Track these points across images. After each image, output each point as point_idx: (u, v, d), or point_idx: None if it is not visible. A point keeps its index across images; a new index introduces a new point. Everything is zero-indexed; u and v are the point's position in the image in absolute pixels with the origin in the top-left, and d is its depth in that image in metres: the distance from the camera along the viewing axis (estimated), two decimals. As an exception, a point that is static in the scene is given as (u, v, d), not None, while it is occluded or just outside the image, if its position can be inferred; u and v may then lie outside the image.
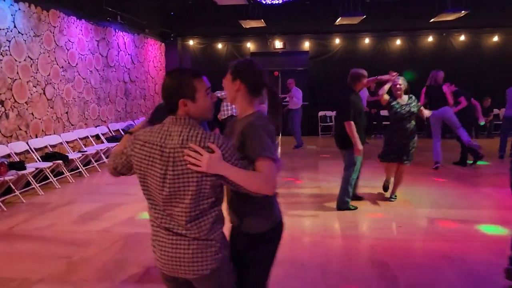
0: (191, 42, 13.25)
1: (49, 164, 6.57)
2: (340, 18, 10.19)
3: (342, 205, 5.26)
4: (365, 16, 10.13)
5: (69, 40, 7.98)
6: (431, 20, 10.91)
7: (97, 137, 8.77)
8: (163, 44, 13.03)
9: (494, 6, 11.13)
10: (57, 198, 6.13)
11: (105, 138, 8.91)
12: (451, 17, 10.28)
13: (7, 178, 5.58)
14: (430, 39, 12.36)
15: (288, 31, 12.75)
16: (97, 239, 4.43)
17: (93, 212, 5.38)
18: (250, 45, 13.09)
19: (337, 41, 12.71)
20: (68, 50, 7.91)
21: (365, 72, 5.36)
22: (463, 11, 9.83)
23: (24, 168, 6.02)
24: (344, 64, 12.16)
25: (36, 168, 6.30)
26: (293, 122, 10.69)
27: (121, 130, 9.71)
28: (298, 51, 13.06)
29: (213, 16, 12.07)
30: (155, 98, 12.48)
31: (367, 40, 12.61)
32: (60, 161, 6.82)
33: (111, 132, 9.36)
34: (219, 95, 8.54)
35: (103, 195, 6.30)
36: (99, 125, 9.04)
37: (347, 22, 10.89)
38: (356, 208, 5.31)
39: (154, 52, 12.41)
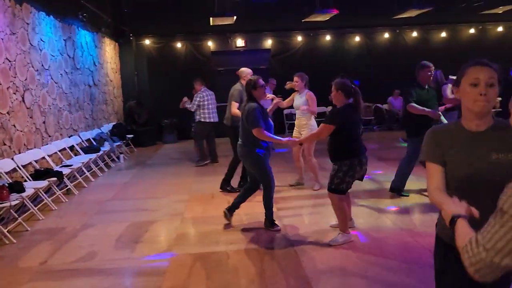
0: (147, 42, 12.40)
1: (45, 183, 5.64)
2: (313, 14, 10.17)
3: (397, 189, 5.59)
4: (337, 12, 10.23)
5: (41, 39, 6.95)
6: (394, 17, 11.36)
7: (70, 148, 7.76)
8: (117, 44, 12.01)
9: (442, 4, 11.93)
10: (65, 221, 5.27)
11: (80, 149, 7.93)
12: (414, 13, 10.80)
13: (13, 203, 4.65)
14: (386, 35, 12.93)
15: (250, 29, 12.50)
16: (164, 265, 3.84)
17: (128, 234, 4.69)
18: (211, 44, 12.61)
19: (299, 38, 12.76)
20: (41, 50, 6.88)
21: None
22: (427, 8, 10.39)
23: (24, 190, 5.08)
24: (306, 61, 12.32)
25: (35, 189, 5.35)
26: None
27: (92, 140, 8.73)
28: (260, 49, 12.88)
29: (170, 13, 11.39)
30: (115, 103, 11.47)
31: (328, 37, 12.82)
32: (55, 179, 5.89)
33: (84, 142, 8.36)
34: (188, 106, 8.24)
35: (118, 213, 5.56)
36: (72, 135, 8.02)
37: (317, 19, 10.93)
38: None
39: (111, 52, 11.39)
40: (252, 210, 5.39)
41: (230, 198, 5.89)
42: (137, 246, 4.32)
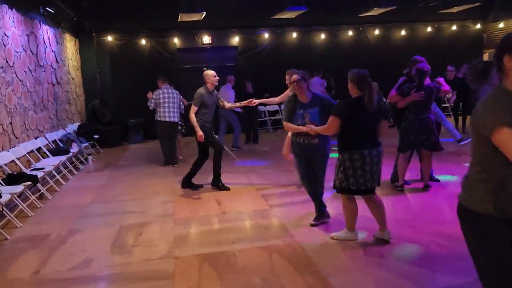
0: (109, 38, 11.91)
1: (21, 188, 5.26)
2: (285, 11, 10.20)
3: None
4: (306, 10, 10.32)
5: (5, 34, 6.47)
6: (360, 15, 11.63)
7: (37, 150, 7.29)
8: (77, 40, 11.45)
9: (403, 3, 12.36)
10: (47, 228, 4.93)
11: (48, 151, 7.47)
12: (378, 12, 11.12)
13: (-8, 210, 4.29)
14: (350, 33, 13.21)
15: (216, 26, 12.33)
16: (171, 267, 3.68)
17: (122, 238, 4.46)
18: (176, 41, 12.32)
19: (266, 36, 12.75)
20: (5, 46, 6.41)
21: None
22: (390, 7, 10.74)
23: (0, 196, 4.70)
24: (273, 59, 12.37)
25: (11, 194, 4.96)
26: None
27: (58, 141, 8.26)
28: (227, 46, 12.75)
29: (133, 9, 11.05)
30: (77, 102, 10.93)
31: (294, 35, 12.91)
32: (30, 183, 5.50)
33: (50, 144, 7.89)
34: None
35: (103, 217, 5.28)
36: (38, 137, 7.55)
37: (286, 16, 10.98)
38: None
39: (71, 49, 10.83)
40: (244, 208, 5.31)
41: (218, 196, 5.80)
42: (135, 250, 4.11)
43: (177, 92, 8.22)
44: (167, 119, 7.97)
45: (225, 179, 6.41)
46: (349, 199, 3.88)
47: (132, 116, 11.69)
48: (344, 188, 3.76)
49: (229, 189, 6.20)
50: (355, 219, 3.96)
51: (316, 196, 4.54)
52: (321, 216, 4.55)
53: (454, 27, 13.72)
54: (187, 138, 9.54)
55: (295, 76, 4.25)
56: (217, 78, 6.20)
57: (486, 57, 13.98)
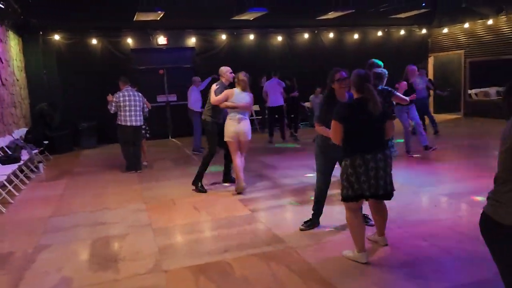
0: (56, 37, 11.15)
1: (-25, 201, 4.70)
2: (248, 11, 10.08)
3: None
4: (267, 12, 10.28)
5: None
6: (318, 18, 11.77)
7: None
8: (21, 39, 10.61)
9: (356, 7, 12.71)
10: (9, 245, 4.44)
11: (-4, 160, 6.81)
12: (335, 15, 11.33)
13: None
14: (306, 36, 13.36)
15: (172, 26, 11.97)
16: (163, 282, 3.42)
17: (100, 253, 4.10)
18: (130, 41, 11.80)
19: (223, 37, 12.57)
20: None
21: None
22: (347, 11, 10.99)
23: (-46, 212, 4.16)
24: (230, 60, 12.18)
25: (-35, 210, 4.42)
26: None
27: (6, 148, 7.56)
28: (183, 47, 12.42)
29: (84, 6, 10.42)
30: (22, 106, 10.11)
31: (251, 37, 12.83)
32: (-16, 196, 4.95)
33: (-2, 151, 7.20)
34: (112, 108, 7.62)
35: (72, 230, 4.85)
36: (-16, 144, 6.86)
37: (244, 18, 10.87)
38: None
39: (15, 48, 10.01)
40: (225, 214, 5.12)
41: (195, 203, 5.55)
42: (119, 266, 3.79)
43: (140, 95, 7.80)
44: (129, 124, 7.55)
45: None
46: (354, 211, 3.58)
47: (84, 120, 11.04)
48: (349, 196, 3.48)
49: (206, 191, 6.04)
50: (363, 237, 3.62)
51: (323, 201, 4.46)
52: (313, 223, 4.46)
53: (402, 32, 14.32)
54: (150, 142, 9.16)
55: (344, 74, 4.06)
56: (233, 74, 6.18)
57: (431, 60, 14.74)
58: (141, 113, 7.67)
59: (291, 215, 4.94)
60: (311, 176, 6.63)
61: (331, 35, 13.57)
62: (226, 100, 5.85)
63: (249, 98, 5.92)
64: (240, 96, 5.85)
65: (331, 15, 11.31)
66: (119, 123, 7.56)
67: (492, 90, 14.16)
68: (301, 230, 4.40)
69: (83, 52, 11.41)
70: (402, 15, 12.38)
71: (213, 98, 5.96)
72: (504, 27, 11.97)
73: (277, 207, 5.26)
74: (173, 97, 12.44)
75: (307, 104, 13.48)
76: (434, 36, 14.52)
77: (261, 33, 12.93)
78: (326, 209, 4.58)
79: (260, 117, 12.79)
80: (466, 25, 13.04)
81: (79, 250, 4.22)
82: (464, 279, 3.25)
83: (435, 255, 3.67)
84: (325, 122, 4.07)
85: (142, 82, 11.32)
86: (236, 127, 5.81)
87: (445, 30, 13.94)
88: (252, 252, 3.92)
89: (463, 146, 9.01)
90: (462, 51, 13.41)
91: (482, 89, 13.82)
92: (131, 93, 7.62)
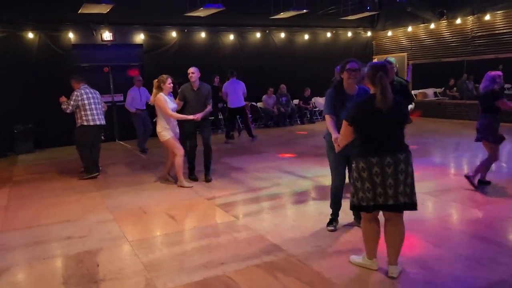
0: (-14, 30, 9.95)
1: None
2: (203, 8, 9.66)
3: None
4: (223, 8, 9.94)
5: None
6: (271, 17, 11.64)
7: None
8: None
9: (308, 8, 12.77)
10: (-45, 270, 3.72)
11: None
12: (289, 14, 11.26)
13: None
14: (258, 35, 13.18)
15: (118, 22, 11.20)
16: (163, 304, 2.99)
17: (75, 273, 3.53)
18: (72, 36, 10.85)
19: (174, 34, 12.00)
20: None
21: None
22: (302, 10, 10.97)
23: None
24: (181, 58, 11.70)
25: None
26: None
27: None
28: (130, 44, 11.67)
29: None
30: None
31: (203, 35, 12.40)
32: None
33: None
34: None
35: (30, 247, 4.18)
36: None
37: (198, 14, 10.44)
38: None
39: None
40: (207, 222, 4.72)
41: (169, 211, 5.10)
42: (102, 287, 3.28)
43: (98, 93, 7.15)
44: (98, 122, 6.94)
45: (166, 191, 5.71)
46: (369, 220, 3.29)
47: (18, 122, 9.97)
48: (354, 205, 3.22)
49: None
50: (376, 245, 3.33)
51: (341, 198, 4.31)
52: (335, 221, 4.34)
53: (349, 34, 14.64)
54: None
55: (355, 64, 3.90)
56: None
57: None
58: (102, 111, 7.09)
59: (279, 219, 4.66)
60: (285, 179, 6.44)
61: (282, 35, 13.52)
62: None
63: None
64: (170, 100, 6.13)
65: (284, 14, 11.24)
66: (84, 123, 6.85)
67: (430, 91, 14.96)
68: (331, 231, 4.24)
69: (17, 47, 10.28)
70: (350, 17, 12.65)
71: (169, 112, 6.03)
72: (445, 32, 12.63)
73: (261, 212, 4.96)
74: (119, 97, 11.64)
75: (259, 104, 13.33)
76: (379, 39, 15.01)
77: (212, 31, 12.53)
78: (318, 208, 4.37)
79: (213, 117, 12.37)
80: (409, 29, 13.59)
81: (47, 271, 3.62)
82: (482, 283, 3.16)
83: (443, 257, 3.58)
84: (337, 115, 3.97)
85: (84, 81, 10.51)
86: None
87: (389, 33, 14.46)
88: (253, 263, 3.59)
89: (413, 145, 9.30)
90: (405, 53, 13.98)
91: (421, 90, 14.56)
92: (91, 90, 7.00)
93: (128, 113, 9.56)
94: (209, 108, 6.35)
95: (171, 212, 5.07)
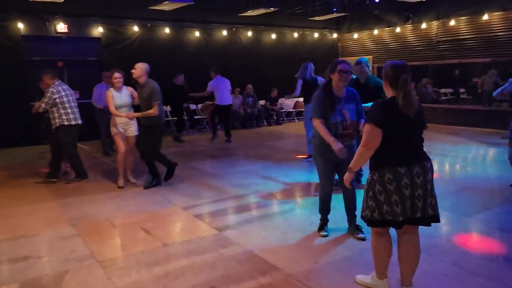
0: None
1: None
2: (169, 1, 9.08)
3: None
4: (192, 3, 9.42)
5: None
6: (240, 14, 11.22)
7: None
8: None
9: (278, 6, 12.46)
10: None
11: None
12: (258, 12, 10.90)
13: None
14: (224, 33, 12.71)
15: (74, 13, 10.37)
16: None
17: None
18: (21, 26, 9.90)
19: (136, 28, 11.29)
20: None
21: None
22: (271, 8, 10.65)
23: None
24: (143, 54, 11.03)
25: None
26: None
27: None
28: (88, 37, 10.86)
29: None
30: None
31: (167, 30, 11.77)
32: None
33: None
34: None
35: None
36: None
37: (164, 8, 9.84)
38: None
39: None
40: (187, 236, 4.23)
41: (141, 223, 4.56)
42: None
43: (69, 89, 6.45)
44: (76, 122, 6.27)
45: (135, 200, 5.16)
46: (380, 235, 2.95)
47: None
48: (376, 220, 2.84)
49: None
50: (387, 262, 2.99)
51: (329, 204, 4.15)
52: (324, 227, 4.16)
53: (316, 35, 14.50)
54: (47, 148, 7.64)
55: (347, 66, 3.80)
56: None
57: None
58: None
59: (267, 232, 4.25)
60: (264, 186, 6.05)
61: (250, 33, 13.13)
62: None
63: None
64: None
65: (254, 12, 10.88)
66: (64, 123, 6.13)
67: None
68: (324, 236, 4.07)
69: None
70: (319, 18, 12.50)
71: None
72: (410, 36, 12.75)
73: (245, 224, 4.52)
74: (75, 94, 10.73)
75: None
76: (344, 41, 14.99)
77: (177, 27, 11.93)
78: (306, 218, 4.01)
79: (176, 118, 11.78)
80: (375, 32, 13.63)
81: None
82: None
83: (450, 272, 3.32)
84: (325, 118, 3.80)
85: (35, 76, 9.57)
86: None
87: (355, 36, 14.45)
88: (248, 285, 3.16)
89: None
90: (371, 56, 14.01)
91: (383, 93, 14.65)
92: (66, 87, 6.33)
93: (85, 111, 8.78)
94: (152, 111, 5.68)
95: (145, 225, 4.53)
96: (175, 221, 4.71)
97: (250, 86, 12.74)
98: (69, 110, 6.16)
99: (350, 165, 3.03)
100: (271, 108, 13.36)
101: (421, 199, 2.76)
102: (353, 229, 4.11)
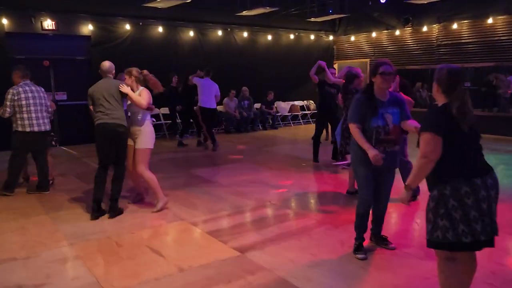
0: None
1: None
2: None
3: None
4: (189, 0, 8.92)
5: None
6: (237, 14, 10.77)
7: None
8: None
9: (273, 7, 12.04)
10: None
11: None
12: (257, 12, 10.46)
13: None
14: (219, 33, 12.23)
15: (63, 9, 9.76)
16: None
17: None
18: (5, 22, 9.24)
19: (127, 27, 10.71)
20: None
21: None
22: (273, 8, 10.23)
23: None
24: (135, 53, 10.49)
25: None
26: None
27: None
28: (76, 35, 10.23)
29: None
30: None
31: (160, 29, 11.22)
32: None
33: None
34: None
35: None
36: None
37: (158, 5, 9.32)
38: None
39: None
40: (204, 258, 3.72)
41: (149, 242, 4.04)
42: None
43: (44, 90, 5.82)
44: (32, 129, 5.55)
45: (136, 214, 4.64)
46: (452, 260, 2.50)
47: None
48: (451, 243, 2.41)
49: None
50: None
51: (367, 219, 3.71)
52: (360, 247, 3.70)
53: (312, 37, 14.14)
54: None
55: (389, 68, 3.49)
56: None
57: (336, 67, 14.82)
58: (47, 114, 5.77)
59: (295, 253, 3.78)
60: (274, 196, 5.59)
61: (245, 34, 12.67)
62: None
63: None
64: None
65: (253, 11, 10.44)
66: (18, 129, 5.51)
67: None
68: (362, 259, 3.59)
69: None
70: (317, 19, 12.17)
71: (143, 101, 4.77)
72: (409, 39, 12.48)
73: (267, 243, 4.03)
74: (62, 96, 10.20)
75: (219, 107, 12.35)
76: (340, 43, 14.66)
77: (170, 26, 11.39)
78: (334, 235, 3.57)
79: (170, 121, 11.24)
80: (374, 35, 13.33)
81: None
82: None
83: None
84: (363, 123, 3.48)
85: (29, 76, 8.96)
86: None
87: (352, 38, 14.14)
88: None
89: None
90: (368, 59, 13.71)
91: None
92: (33, 88, 5.66)
93: (73, 113, 8.26)
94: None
95: (153, 244, 4.01)
96: (186, 240, 4.20)
97: (245, 88, 12.28)
98: (25, 115, 5.49)
99: (408, 181, 2.65)
100: (266, 111, 12.90)
101: (495, 215, 2.43)
102: (381, 241, 3.85)
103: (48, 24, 9.68)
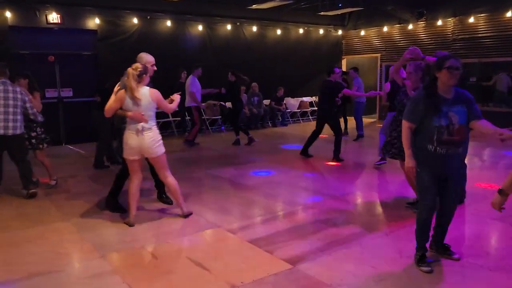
0: None
1: None
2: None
3: None
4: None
5: None
6: (249, 7, 10.41)
7: None
8: None
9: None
10: None
11: None
12: (272, 5, 10.11)
13: None
14: (229, 27, 11.84)
15: (68, 2, 9.34)
16: None
17: None
18: (9, 15, 8.80)
19: (135, 21, 10.29)
20: None
21: None
22: (287, 1, 9.88)
23: None
24: (142, 48, 9.98)
25: None
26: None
27: None
28: (82, 29, 9.80)
29: None
30: None
31: (168, 23, 10.81)
32: None
33: None
34: None
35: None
36: None
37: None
38: None
39: None
40: (255, 273, 3.37)
41: (189, 253, 3.68)
42: None
43: (20, 90, 5.29)
44: (1, 132, 5.07)
45: (164, 220, 4.29)
46: None
47: None
48: None
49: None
50: None
51: (429, 228, 3.38)
52: (423, 259, 3.35)
53: (321, 31, 13.79)
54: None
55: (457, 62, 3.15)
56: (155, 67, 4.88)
57: (344, 63, 14.50)
58: (21, 115, 5.24)
59: (353, 265, 3.44)
60: (309, 200, 5.26)
61: (254, 28, 12.29)
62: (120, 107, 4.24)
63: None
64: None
65: (267, 4, 10.08)
66: None
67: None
68: (428, 272, 3.26)
69: None
70: (327, 13, 11.85)
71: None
72: (423, 33, 12.18)
73: (319, 253, 3.68)
74: (67, 92, 9.78)
75: (228, 104, 11.98)
76: (349, 38, 14.32)
77: (178, 20, 10.98)
78: (390, 245, 3.25)
79: (179, 119, 10.85)
80: (385, 29, 13.01)
81: None
82: None
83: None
84: (421, 121, 3.20)
85: (24, 71, 8.48)
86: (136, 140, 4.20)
87: (362, 33, 13.80)
88: None
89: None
90: (379, 54, 13.40)
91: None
92: (8, 88, 5.15)
93: (79, 110, 7.85)
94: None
95: (194, 256, 3.66)
96: (228, 250, 3.85)
97: (255, 84, 11.90)
98: None
99: (503, 186, 2.39)
100: (276, 108, 12.54)
101: None
102: (443, 250, 3.54)
103: (53, 17, 9.25)
